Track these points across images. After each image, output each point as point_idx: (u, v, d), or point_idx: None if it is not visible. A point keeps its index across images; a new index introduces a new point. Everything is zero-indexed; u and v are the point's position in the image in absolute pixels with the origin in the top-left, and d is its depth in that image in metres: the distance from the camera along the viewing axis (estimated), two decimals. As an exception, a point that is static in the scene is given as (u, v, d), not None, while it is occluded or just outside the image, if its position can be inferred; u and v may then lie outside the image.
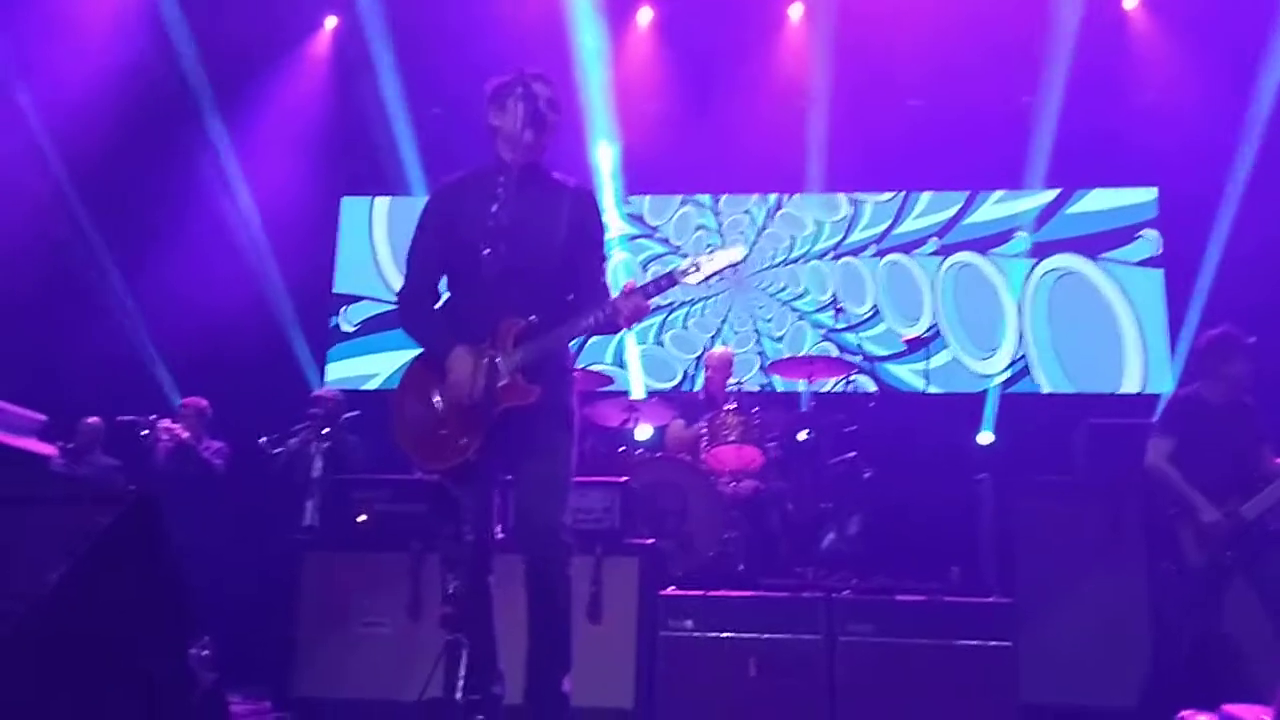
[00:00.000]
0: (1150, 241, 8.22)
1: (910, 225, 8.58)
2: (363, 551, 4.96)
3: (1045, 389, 8.08)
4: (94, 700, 2.25)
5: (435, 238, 3.48)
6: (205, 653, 3.51)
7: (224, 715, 2.59)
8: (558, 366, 3.38)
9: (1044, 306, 8.28)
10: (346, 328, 8.83)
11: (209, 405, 6.90)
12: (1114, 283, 8.21)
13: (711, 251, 3.25)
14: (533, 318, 3.24)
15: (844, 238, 8.64)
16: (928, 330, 8.24)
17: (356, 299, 8.85)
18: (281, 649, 4.86)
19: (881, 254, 8.57)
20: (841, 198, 8.65)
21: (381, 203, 8.99)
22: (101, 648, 2.36)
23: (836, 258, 8.62)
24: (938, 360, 8.15)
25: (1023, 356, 8.20)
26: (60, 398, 6.38)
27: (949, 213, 8.52)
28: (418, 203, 8.26)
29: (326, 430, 6.19)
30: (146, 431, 6.63)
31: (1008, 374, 8.16)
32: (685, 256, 3.35)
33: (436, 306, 3.49)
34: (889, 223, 8.60)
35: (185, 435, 6.65)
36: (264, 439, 6.53)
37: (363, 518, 5.07)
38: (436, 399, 3.31)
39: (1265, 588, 4.44)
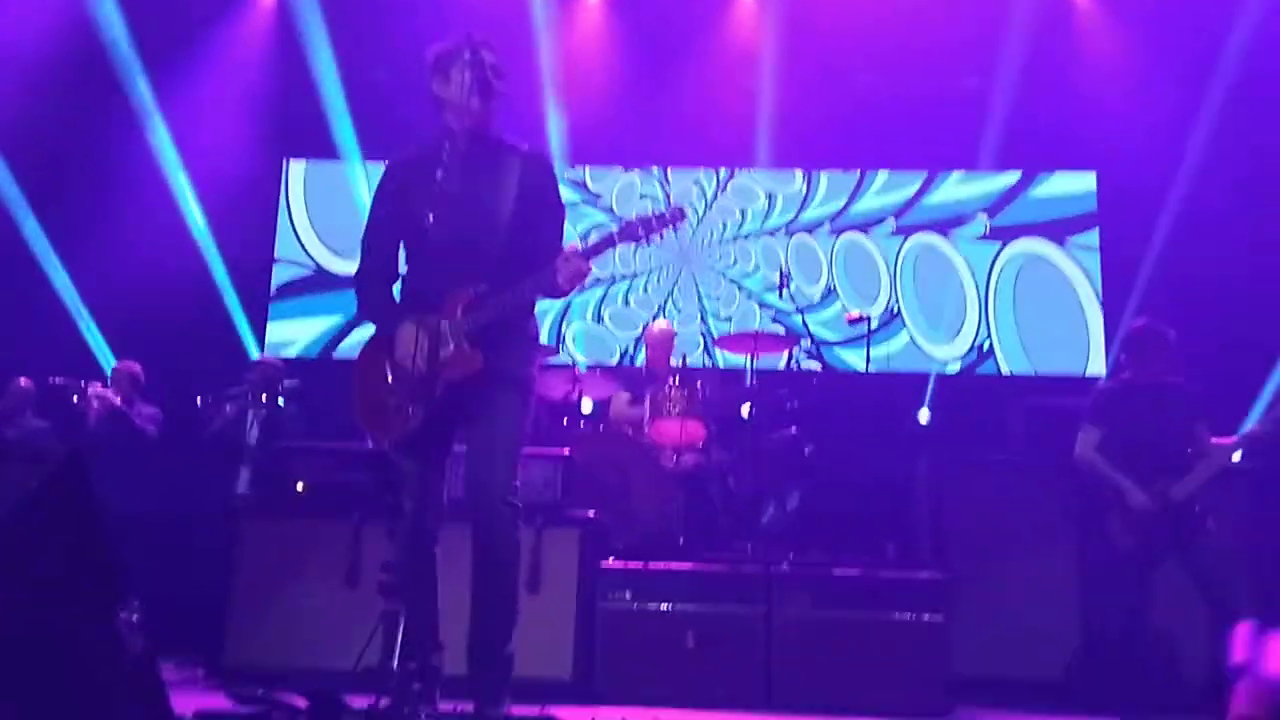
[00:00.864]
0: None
1: (868, 204, 8.48)
2: (300, 519, 4.91)
3: (1005, 370, 8.09)
4: (19, 663, 2.21)
5: (385, 214, 3.47)
6: (135, 617, 3.45)
7: (155, 681, 2.54)
8: (514, 334, 3.34)
9: (1009, 289, 8.26)
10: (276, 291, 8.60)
11: (141, 370, 6.76)
12: (1079, 267, 8.22)
13: (654, 212, 3.23)
14: (482, 286, 3.22)
15: (798, 213, 8.51)
16: (882, 312, 8.22)
17: (295, 263, 8.66)
18: (215, 617, 4.80)
19: (837, 232, 8.46)
20: (797, 172, 8.54)
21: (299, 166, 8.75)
22: (27, 610, 2.31)
23: (790, 233, 8.49)
24: (895, 344, 8.16)
25: (983, 344, 8.18)
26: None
27: (908, 191, 8.46)
28: (354, 168, 8.29)
29: (264, 397, 6.10)
30: (77, 396, 6.48)
31: (969, 359, 8.17)
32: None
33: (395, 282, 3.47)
34: (845, 200, 8.49)
35: (117, 400, 6.52)
36: (201, 400, 6.42)
37: (301, 486, 5.02)
38: (387, 371, 3.29)
39: (1197, 569, 4.56)
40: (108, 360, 7.65)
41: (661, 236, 3.25)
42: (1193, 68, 7.55)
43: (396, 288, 3.50)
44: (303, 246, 8.61)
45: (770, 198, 8.56)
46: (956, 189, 8.45)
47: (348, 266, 8.43)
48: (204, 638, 4.82)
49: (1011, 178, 8.42)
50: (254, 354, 7.98)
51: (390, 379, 3.29)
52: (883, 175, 8.52)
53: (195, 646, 4.91)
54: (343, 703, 3.10)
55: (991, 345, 8.18)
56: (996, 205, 8.40)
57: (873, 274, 8.39)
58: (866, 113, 8.16)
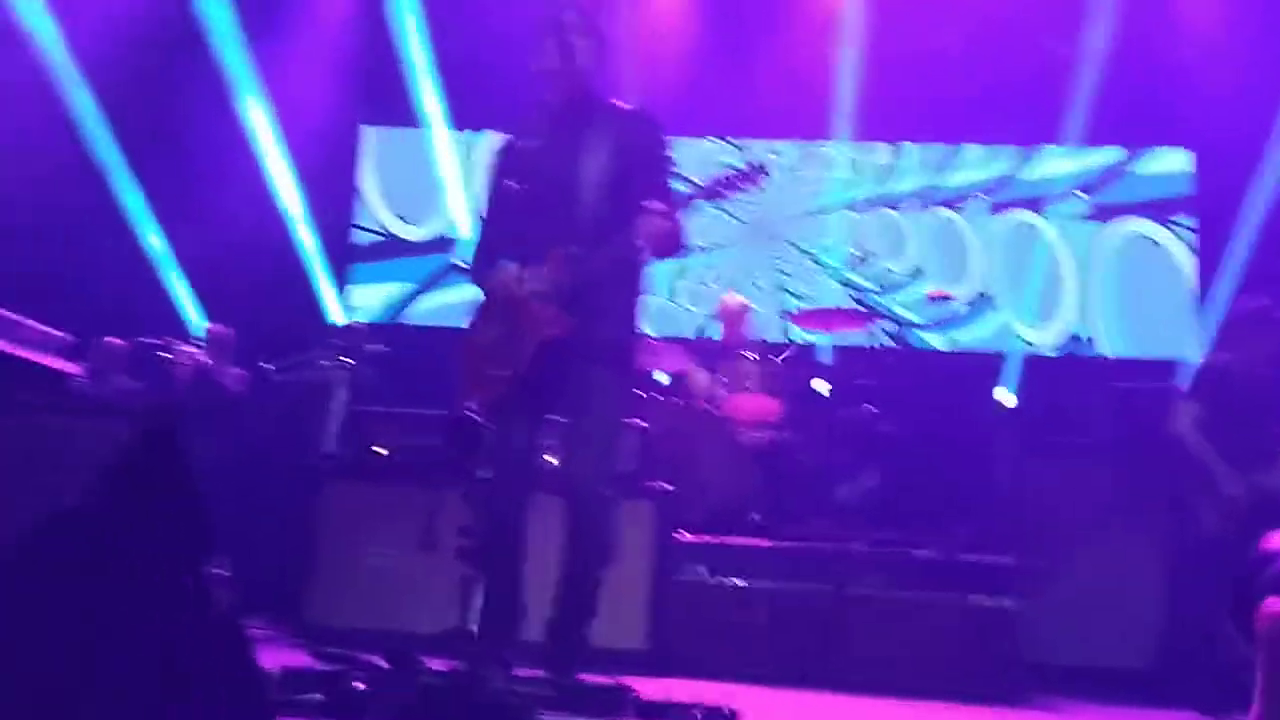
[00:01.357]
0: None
1: (959, 178, 8.16)
2: (380, 482, 5.00)
3: (1107, 353, 7.77)
4: (110, 613, 2.27)
5: (496, 188, 3.48)
6: (223, 573, 3.55)
7: (240, 636, 2.61)
8: (615, 302, 3.31)
9: (1114, 271, 7.90)
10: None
11: (233, 333, 6.91)
12: (1186, 248, 7.89)
13: (735, 169, 3.17)
14: (573, 248, 3.21)
15: (883, 187, 8.24)
16: (972, 294, 7.95)
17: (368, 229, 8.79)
18: (297, 576, 4.91)
19: (926, 207, 8.16)
20: (881, 145, 8.26)
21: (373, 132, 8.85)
22: (119, 562, 2.37)
23: (873, 208, 8.23)
24: (984, 328, 7.90)
25: (1079, 332, 7.86)
26: (83, 318, 6.40)
27: (1001, 167, 8.13)
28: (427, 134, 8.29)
29: (352, 361, 6.21)
30: (167, 355, 6.65)
31: (1065, 347, 7.86)
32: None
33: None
34: (934, 174, 8.19)
35: (206, 360, 6.67)
36: (268, 364, 6.54)
37: (381, 449, 5.10)
38: (485, 335, 3.33)
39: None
40: (194, 320, 7.84)
41: (742, 192, 3.20)
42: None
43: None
44: (373, 213, 8.72)
45: (856, 168, 8.28)
46: (1053, 165, 8.09)
47: (417, 233, 8.65)
48: (287, 597, 4.93)
49: (1113, 154, 8.07)
50: (332, 319, 8.13)
51: (487, 342, 3.31)
52: (975, 149, 8.21)
53: (278, 605, 5.03)
54: (421, 664, 3.16)
55: (1089, 333, 7.86)
56: (1097, 182, 8.06)
57: (961, 254, 8.10)
58: (953, 84, 7.93)
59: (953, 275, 8.04)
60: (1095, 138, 7.93)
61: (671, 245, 3.27)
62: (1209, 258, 7.72)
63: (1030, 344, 7.87)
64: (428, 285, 8.65)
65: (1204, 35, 7.71)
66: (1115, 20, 7.49)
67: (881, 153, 8.32)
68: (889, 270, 8.09)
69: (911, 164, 8.28)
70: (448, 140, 8.55)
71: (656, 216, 3.10)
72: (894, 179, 8.29)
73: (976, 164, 8.23)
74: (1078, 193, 8.05)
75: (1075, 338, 7.89)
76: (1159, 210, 7.98)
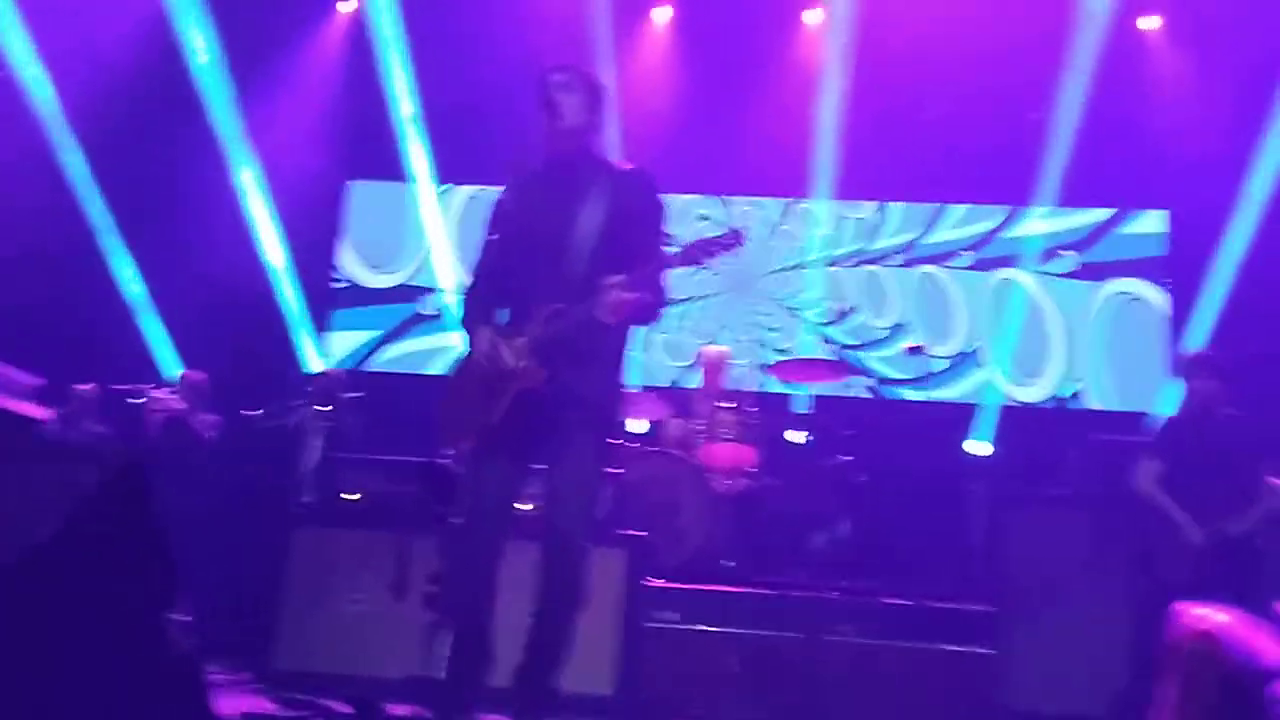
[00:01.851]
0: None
1: (944, 235, 8.25)
2: (353, 529, 4.96)
3: (1095, 406, 7.82)
4: (70, 657, 2.25)
5: (488, 239, 3.49)
6: (185, 619, 3.50)
7: (199, 682, 2.58)
8: (596, 360, 3.29)
9: (1102, 327, 7.98)
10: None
11: (207, 379, 6.89)
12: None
13: (710, 236, 3.18)
14: (559, 305, 3.22)
15: (868, 243, 8.32)
16: (956, 353, 8.00)
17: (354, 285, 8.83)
18: (264, 621, 4.85)
19: (910, 264, 8.22)
20: (864, 203, 8.33)
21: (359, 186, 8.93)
22: (81, 607, 2.36)
23: (858, 264, 8.27)
24: (967, 384, 7.95)
25: (1068, 385, 7.91)
26: (59, 363, 6.38)
27: (987, 225, 8.23)
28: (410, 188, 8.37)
29: (329, 408, 6.19)
30: (140, 401, 6.61)
31: (1046, 399, 7.90)
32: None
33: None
34: (920, 231, 8.28)
35: (180, 407, 6.64)
36: (248, 412, 6.52)
37: (351, 496, 5.07)
38: (466, 383, 3.33)
39: (1251, 606, 4.43)
40: (171, 367, 7.82)
41: (719, 257, 3.22)
42: (1262, 101, 7.40)
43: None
44: (349, 263, 8.82)
45: (838, 225, 8.36)
46: (1036, 224, 8.18)
47: (388, 282, 8.71)
48: (254, 642, 4.87)
49: (1096, 215, 8.20)
50: (309, 367, 8.12)
51: (466, 388, 3.32)
52: (957, 209, 8.30)
53: (245, 650, 4.96)
54: (385, 711, 3.12)
55: (1077, 391, 7.89)
56: (1082, 241, 8.17)
57: (947, 310, 8.14)
58: (931, 145, 8.08)
59: (936, 331, 8.09)
60: (1073, 199, 8.07)
61: (641, 316, 3.28)
62: (1182, 314, 7.82)
63: (1017, 401, 7.88)
64: (397, 333, 8.70)
65: (1174, 100, 7.87)
66: (1090, 86, 7.64)
67: (864, 210, 8.40)
68: (870, 326, 8.11)
69: (894, 222, 8.37)
70: (430, 194, 8.63)
71: (616, 290, 3.09)
72: (876, 236, 8.36)
73: (959, 223, 8.33)
74: (1063, 251, 8.13)
75: (1060, 396, 7.93)
76: (1142, 268, 8.09)
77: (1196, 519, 4.52)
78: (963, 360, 8.00)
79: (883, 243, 8.32)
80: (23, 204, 7.01)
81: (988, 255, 8.20)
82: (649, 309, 3.27)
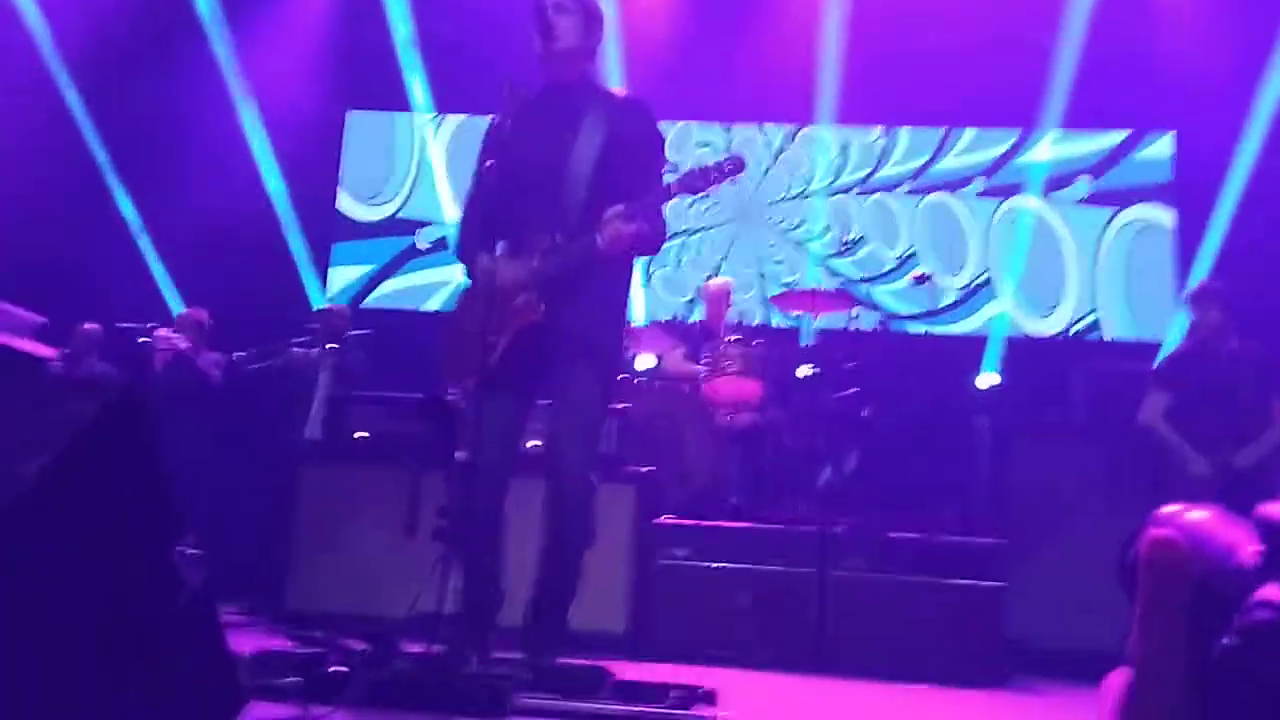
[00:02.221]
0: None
1: (953, 161, 8.02)
2: (360, 467, 4.97)
3: (1111, 336, 7.69)
4: (72, 595, 2.23)
5: (480, 167, 3.42)
6: (193, 551, 3.50)
7: (212, 619, 2.57)
8: (595, 295, 3.26)
9: (1121, 258, 7.77)
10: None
11: (209, 316, 6.85)
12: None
13: (711, 162, 3.11)
14: (558, 236, 3.17)
15: (874, 170, 8.10)
16: (977, 277, 7.83)
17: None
18: (276, 562, 4.88)
19: (918, 192, 8.01)
20: (871, 128, 8.13)
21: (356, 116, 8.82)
22: (81, 542, 2.33)
23: (865, 193, 8.09)
24: (981, 318, 7.83)
25: (1084, 316, 7.75)
26: (62, 302, 6.34)
27: (999, 149, 8.00)
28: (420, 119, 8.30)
29: (333, 346, 6.16)
30: (145, 339, 6.59)
31: (1062, 329, 7.75)
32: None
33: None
34: (928, 157, 8.05)
35: (184, 346, 6.61)
36: (238, 355, 6.50)
37: (361, 434, 5.07)
38: (467, 317, 3.31)
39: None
40: (176, 305, 7.78)
41: (719, 188, 3.17)
42: (1269, 21, 7.27)
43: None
44: (349, 196, 8.71)
45: (844, 151, 8.16)
46: (1047, 150, 7.97)
47: (385, 214, 8.60)
48: (266, 582, 4.91)
49: (1110, 139, 7.98)
50: (314, 304, 8.08)
51: (467, 325, 3.29)
52: (966, 134, 8.07)
53: (257, 590, 5.00)
54: (398, 647, 3.14)
55: (1096, 320, 7.75)
56: (1097, 167, 7.95)
57: (960, 239, 7.95)
58: (936, 69, 7.94)
59: (946, 261, 7.94)
60: (1079, 123, 7.93)
61: (639, 247, 3.24)
62: (1189, 240, 7.75)
63: (1029, 333, 7.79)
64: (393, 267, 8.63)
65: (1179, 20, 7.72)
66: (1095, 8, 7.48)
67: (869, 135, 8.21)
68: (878, 256, 7.98)
69: (901, 147, 8.18)
70: (421, 122, 8.52)
71: (618, 222, 3.06)
72: (883, 162, 8.17)
73: (967, 148, 8.13)
74: (1079, 177, 7.94)
75: (1076, 321, 7.80)
76: (1150, 193, 7.91)
77: (1203, 452, 4.52)
78: (975, 291, 7.88)
79: (890, 170, 8.13)
80: (20, 142, 6.92)
81: (998, 182, 8.00)
82: (649, 240, 3.24)
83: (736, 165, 3.13)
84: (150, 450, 2.30)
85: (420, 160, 8.62)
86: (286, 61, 8.29)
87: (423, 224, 8.58)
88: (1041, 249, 7.87)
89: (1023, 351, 7.69)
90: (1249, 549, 1.81)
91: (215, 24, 8.05)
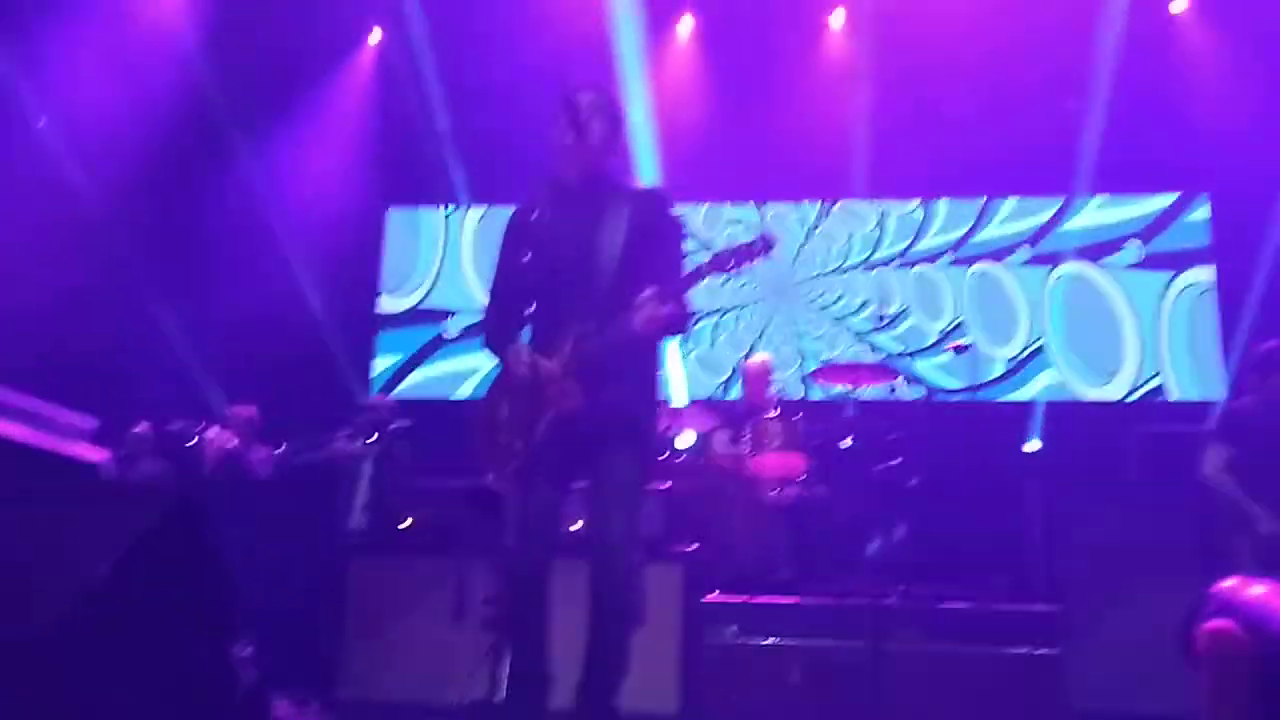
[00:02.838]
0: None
1: (995, 231, 8.05)
2: (408, 556, 5.00)
3: (1175, 396, 7.61)
4: (137, 696, 2.27)
5: (505, 260, 3.51)
6: (248, 651, 3.53)
7: (266, 713, 2.60)
8: (630, 376, 3.30)
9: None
10: (451, 334, 8.79)
11: (257, 412, 6.96)
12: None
13: (742, 241, 3.13)
14: (590, 324, 3.23)
15: (913, 242, 8.14)
16: (1027, 346, 7.79)
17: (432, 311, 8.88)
18: (328, 652, 4.89)
19: (960, 262, 8.03)
20: (909, 201, 8.19)
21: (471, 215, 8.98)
22: (144, 645, 2.38)
23: (905, 265, 8.10)
24: (1037, 383, 7.76)
25: (1147, 381, 7.66)
26: (109, 404, 6.46)
27: (1043, 217, 8.02)
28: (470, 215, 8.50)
29: (376, 437, 6.24)
30: (194, 440, 6.70)
31: (1130, 399, 7.63)
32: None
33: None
34: (969, 227, 8.09)
35: (233, 443, 6.72)
36: (281, 449, 6.58)
37: (407, 523, 5.11)
38: (502, 407, 3.34)
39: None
40: (221, 404, 7.91)
41: (750, 266, 3.20)
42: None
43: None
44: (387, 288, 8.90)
45: (881, 223, 8.19)
46: (1099, 214, 7.99)
47: (402, 305, 8.77)
48: (317, 672, 4.91)
49: (1165, 200, 7.99)
50: (358, 396, 8.20)
51: (503, 415, 3.33)
52: (1012, 201, 8.10)
53: (309, 681, 5.00)
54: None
55: (1161, 385, 7.65)
56: (1148, 231, 7.94)
57: (1008, 309, 7.91)
58: (967, 138, 8.02)
59: (995, 331, 7.90)
60: (1113, 187, 7.96)
61: (672, 328, 3.28)
62: (1232, 301, 7.69)
63: (1089, 399, 7.69)
64: (420, 357, 8.77)
65: (1210, 83, 7.74)
66: (1122, 73, 7.54)
67: (906, 208, 8.26)
68: (921, 329, 7.93)
69: (940, 219, 8.20)
70: (453, 212, 8.75)
71: (653, 304, 3.09)
72: (921, 235, 8.18)
73: (1009, 217, 8.13)
74: (1134, 240, 7.90)
75: (1139, 386, 7.70)
76: (1190, 255, 7.88)
77: (1268, 507, 4.43)
78: (1026, 361, 7.80)
79: (928, 242, 8.15)
80: (63, 245, 7.13)
81: (1044, 250, 7.98)
82: (679, 321, 3.28)
83: (767, 244, 3.16)
84: (207, 553, 2.35)
85: (445, 250, 8.82)
86: (325, 159, 8.52)
87: (449, 313, 8.74)
88: (1094, 315, 7.81)
89: (1070, 416, 7.61)
90: None
91: (255, 126, 8.29)
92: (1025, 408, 7.71)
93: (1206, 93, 7.75)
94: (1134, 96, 7.64)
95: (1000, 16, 7.37)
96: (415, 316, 8.80)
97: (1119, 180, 8.00)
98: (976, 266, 8.02)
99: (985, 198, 8.18)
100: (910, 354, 7.68)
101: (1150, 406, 7.56)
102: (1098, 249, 7.93)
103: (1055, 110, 7.93)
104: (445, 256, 8.81)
